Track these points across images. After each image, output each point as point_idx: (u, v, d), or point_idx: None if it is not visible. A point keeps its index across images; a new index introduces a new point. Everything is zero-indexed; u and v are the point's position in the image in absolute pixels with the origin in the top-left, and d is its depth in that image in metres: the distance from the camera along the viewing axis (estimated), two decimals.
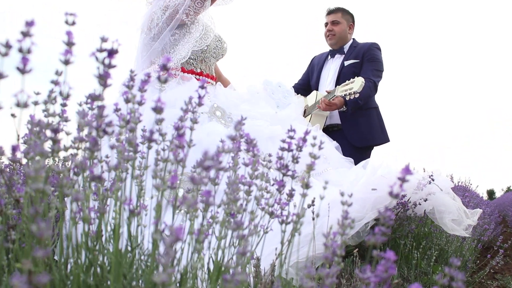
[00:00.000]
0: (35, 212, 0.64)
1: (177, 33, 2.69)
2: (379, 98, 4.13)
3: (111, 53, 0.82)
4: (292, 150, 1.25)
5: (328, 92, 3.63)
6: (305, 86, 4.36)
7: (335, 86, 3.84)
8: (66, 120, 1.11)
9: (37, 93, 1.08)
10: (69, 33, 0.86)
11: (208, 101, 2.61)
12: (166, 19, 2.65)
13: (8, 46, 0.76)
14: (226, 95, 2.78)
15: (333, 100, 3.52)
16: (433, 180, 2.38)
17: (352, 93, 3.36)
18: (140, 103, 1.17)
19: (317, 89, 4.09)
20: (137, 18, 2.90)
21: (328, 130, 3.98)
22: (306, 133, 1.24)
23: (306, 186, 1.15)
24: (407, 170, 0.85)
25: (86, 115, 0.82)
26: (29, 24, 0.75)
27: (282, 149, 1.26)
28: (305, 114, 3.84)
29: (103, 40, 0.83)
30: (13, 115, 1.20)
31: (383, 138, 4.02)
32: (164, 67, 0.89)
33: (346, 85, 3.44)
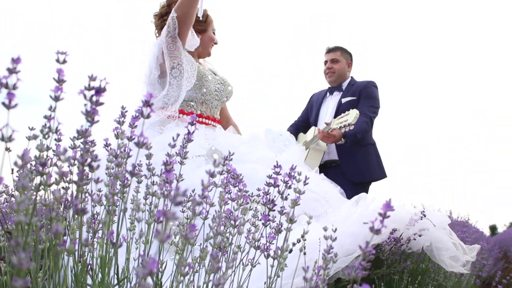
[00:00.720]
0: (15, 244, 0.67)
1: (162, 81, 2.78)
2: (376, 135, 4.20)
3: (99, 91, 0.86)
4: (278, 186, 1.28)
5: (327, 124, 3.70)
6: (305, 123, 4.41)
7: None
8: (58, 154, 1.15)
9: (32, 128, 1.12)
10: (59, 71, 0.90)
11: (206, 144, 2.64)
12: (156, 66, 2.74)
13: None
14: (225, 138, 2.79)
15: (331, 131, 3.57)
16: (424, 216, 2.38)
17: (347, 124, 3.44)
18: (130, 139, 1.21)
19: (315, 125, 4.15)
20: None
21: (326, 166, 4.02)
22: (292, 169, 1.27)
23: (290, 220, 1.18)
24: (388, 206, 0.88)
25: (66, 151, 0.85)
26: (15, 61, 0.79)
27: (268, 184, 1.29)
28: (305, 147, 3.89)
29: (91, 78, 0.87)
30: (7, 149, 1.23)
31: (380, 174, 4.07)
32: (147, 103, 0.93)
33: (342, 117, 3.52)
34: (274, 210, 1.27)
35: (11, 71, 0.81)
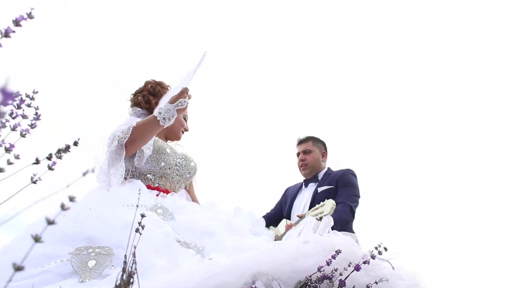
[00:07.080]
0: None
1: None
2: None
3: None
4: None
5: (300, 217, 3.34)
6: (277, 216, 4.10)
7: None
8: None
9: None
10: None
11: (152, 201, 2.46)
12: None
13: None
14: (175, 200, 2.59)
15: None
16: (380, 253, 1.79)
17: (323, 216, 3.07)
18: None
19: (289, 219, 3.82)
20: None
21: None
22: None
23: None
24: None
25: None
26: None
27: None
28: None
29: None
30: None
31: None
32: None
33: (316, 209, 3.23)
34: None
35: None
